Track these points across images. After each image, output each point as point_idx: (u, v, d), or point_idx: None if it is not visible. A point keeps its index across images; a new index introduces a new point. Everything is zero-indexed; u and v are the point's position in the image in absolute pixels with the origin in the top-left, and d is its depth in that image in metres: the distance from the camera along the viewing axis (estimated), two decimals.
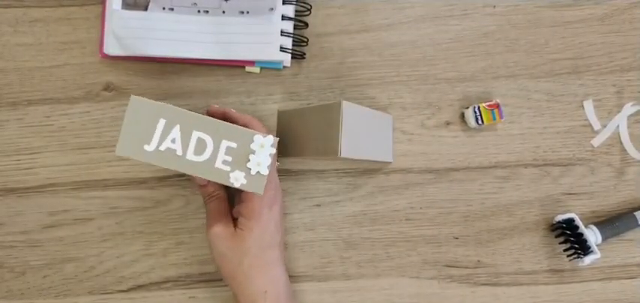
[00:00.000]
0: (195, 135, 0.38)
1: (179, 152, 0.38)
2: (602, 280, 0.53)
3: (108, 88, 0.52)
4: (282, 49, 0.51)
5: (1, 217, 0.52)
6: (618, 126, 0.53)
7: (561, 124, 0.53)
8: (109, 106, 0.52)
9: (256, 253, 0.44)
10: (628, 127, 0.53)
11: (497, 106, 0.51)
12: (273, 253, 0.46)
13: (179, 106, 0.52)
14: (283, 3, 0.51)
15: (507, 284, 0.52)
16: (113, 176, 0.52)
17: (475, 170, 0.53)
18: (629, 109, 0.53)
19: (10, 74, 0.52)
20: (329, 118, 0.43)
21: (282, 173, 0.52)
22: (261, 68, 0.53)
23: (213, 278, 0.52)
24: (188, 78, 0.53)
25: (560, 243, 0.51)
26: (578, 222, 0.50)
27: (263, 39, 0.51)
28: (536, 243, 0.53)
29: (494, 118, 0.51)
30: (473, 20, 0.54)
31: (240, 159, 0.38)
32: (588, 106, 0.53)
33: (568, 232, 0.50)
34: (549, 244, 0.53)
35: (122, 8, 0.50)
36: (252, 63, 0.52)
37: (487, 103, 0.51)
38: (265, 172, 0.38)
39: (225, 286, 0.52)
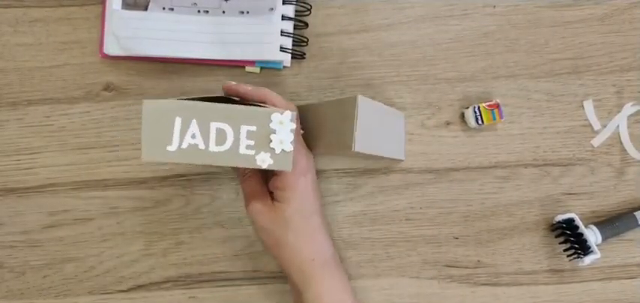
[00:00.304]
0: (214, 126, 0.37)
1: (201, 146, 0.37)
2: (602, 280, 0.53)
3: (108, 88, 0.52)
4: (282, 49, 0.51)
5: (1, 217, 0.52)
6: (618, 126, 0.53)
7: (561, 124, 0.53)
8: (109, 106, 0.52)
9: (299, 223, 0.44)
10: (628, 127, 0.53)
11: (497, 106, 0.51)
12: (314, 220, 0.46)
13: None
14: (283, 3, 0.51)
15: (507, 284, 0.52)
16: (113, 176, 0.52)
17: (475, 170, 0.53)
18: (629, 109, 0.53)
19: (10, 74, 0.52)
20: (344, 112, 0.43)
21: None
22: (261, 68, 0.53)
23: (213, 278, 0.52)
24: (188, 78, 0.53)
25: (560, 243, 0.51)
26: (578, 222, 0.50)
27: (263, 39, 0.51)
28: (536, 243, 0.53)
29: (494, 118, 0.51)
30: (473, 20, 0.54)
31: (263, 140, 0.38)
32: (588, 106, 0.53)
33: (568, 232, 0.50)
34: (549, 244, 0.53)
35: (122, 8, 0.50)
36: (252, 63, 0.52)
37: (487, 103, 0.51)
38: (289, 148, 0.38)
39: (226, 285, 0.52)
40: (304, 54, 0.52)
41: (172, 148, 0.37)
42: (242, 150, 0.38)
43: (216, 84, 0.52)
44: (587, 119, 0.53)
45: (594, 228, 0.51)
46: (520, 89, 0.53)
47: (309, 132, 0.48)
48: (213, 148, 0.37)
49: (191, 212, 0.52)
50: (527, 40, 0.54)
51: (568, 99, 0.53)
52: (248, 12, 0.51)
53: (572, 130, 0.53)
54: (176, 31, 0.50)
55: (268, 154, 0.38)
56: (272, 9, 0.51)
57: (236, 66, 0.52)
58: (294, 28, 0.52)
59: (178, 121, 0.37)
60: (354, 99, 0.42)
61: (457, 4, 0.54)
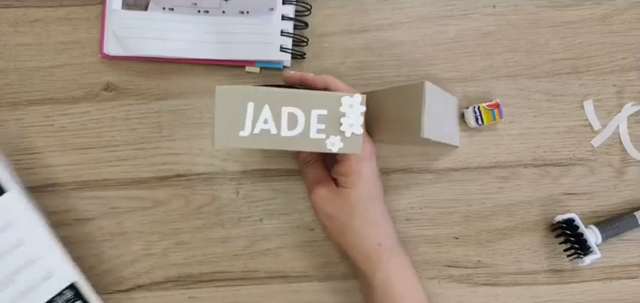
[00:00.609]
0: (285, 111, 0.38)
1: (273, 131, 0.38)
2: (602, 280, 0.53)
3: (108, 88, 0.52)
4: (282, 49, 0.51)
5: None
6: (618, 126, 0.53)
7: (561, 124, 0.53)
8: (109, 106, 0.52)
9: (364, 208, 0.45)
10: (628, 127, 0.53)
11: (497, 106, 0.51)
12: (379, 205, 0.46)
13: (181, 106, 0.52)
14: (283, 3, 0.51)
15: (507, 284, 0.52)
16: (113, 176, 0.52)
17: (475, 170, 0.53)
18: (629, 109, 0.53)
19: (11, 74, 0.52)
20: (409, 98, 0.43)
21: (282, 173, 0.52)
22: (261, 68, 0.53)
23: (213, 278, 0.52)
24: (188, 78, 0.53)
25: (560, 243, 0.51)
26: (579, 222, 0.50)
27: (263, 39, 0.51)
28: (536, 243, 0.53)
29: (495, 119, 0.51)
30: (473, 20, 0.54)
31: (333, 124, 0.38)
32: (588, 106, 0.53)
33: (568, 232, 0.50)
34: (549, 244, 0.53)
35: (122, 8, 0.50)
36: (252, 63, 0.52)
37: (487, 103, 0.51)
38: (359, 131, 0.39)
39: (226, 285, 0.52)
40: (304, 54, 0.52)
41: (245, 133, 0.38)
42: (313, 134, 0.38)
43: (216, 84, 0.52)
44: (587, 119, 0.53)
45: (594, 228, 0.51)
46: (520, 89, 0.53)
47: (369, 120, 0.48)
48: (284, 132, 0.38)
49: (191, 212, 0.52)
50: (527, 40, 0.53)
51: (568, 99, 0.53)
52: (248, 12, 0.51)
53: (573, 130, 0.53)
54: (176, 31, 0.50)
55: (338, 138, 0.38)
56: (272, 9, 0.51)
57: (236, 66, 0.52)
58: (294, 28, 0.52)
59: (251, 106, 0.38)
60: (421, 85, 0.42)
61: (457, 4, 0.54)
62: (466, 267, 0.52)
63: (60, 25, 0.52)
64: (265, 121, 0.38)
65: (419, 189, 0.53)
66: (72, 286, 0.45)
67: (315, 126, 0.38)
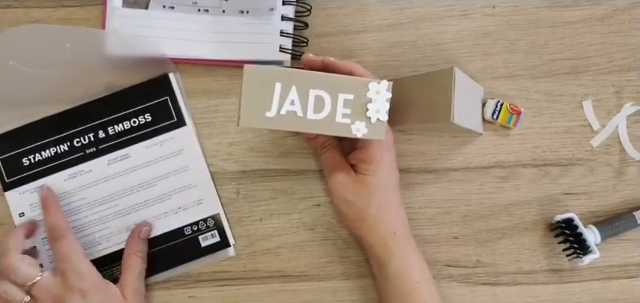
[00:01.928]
0: (312, 93, 0.38)
1: (300, 113, 0.38)
2: (601, 280, 0.53)
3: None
4: (282, 49, 0.51)
5: (1, 217, 0.52)
6: (617, 126, 0.53)
7: (560, 124, 0.53)
8: None
9: (384, 196, 0.46)
10: (627, 127, 0.53)
11: (519, 113, 0.50)
12: (396, 193, 0.47)
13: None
14: (283, 3, 0.51)
15: (507, 284, 0.52)
16: None
17: (474, 170, 0.53)
18: (628, 109, 0.53)
19: None
20: (438, 84, 0.43)
21: (282, 173, 0.52)
22: None
23: (213, 278, 0.52)
24: (188, 78, 0.53)
25: (559, 243, 0.51)
26: (578, 222, 0.50)
27: (263, 39, 0.51)
28: (535, 243, 0.53)
29: (509, 122, 0.51)
30: (472, 20, 0.54)
31: (359, 109, 0.39)
32: (587, 106, 0.53)
33: (567, 231, 0.50)
34: (548, 243, 0.53)
35: (123, 6, 0.51)
36: (251, 63, 0.52)
37: (512, 105, 0.51)
38: (385, 118, 0.39)
39: (225, 285, 0.52)
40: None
41: (271, 114, 0.38)
42: (338, 118, 0.39)
43: (216, 84, 0.52)
44: (586, 119, 0.53)
45: (593, 228, 0.51)
46: (519, 89, 0.53)
47: (398, 107, 0.47)
48: (310, 115, 0.38)
49: None
50: (526, 40, 0.54)
51: (567, 99, 0.53)
52: (248, 12, 0.51)
53: (572, 130, 0.53)
54: (176, 30, 0.51)
55: (363, 123, 0.39)
56: (272, 9, 0.51)
57: (236, 66, 0.52)
58: (294, 29, 0.52)
59: (278, 86, 0.38)
60: (451, 70, 0.42)
61: (457, 5, 0.54)
62: (465, 266, 0.52)
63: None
64: (292, 103, 0.38)
65: (418, 189, 0.53)
66: (214, 216, 0.51)
67: (341, 110, 0.39)
